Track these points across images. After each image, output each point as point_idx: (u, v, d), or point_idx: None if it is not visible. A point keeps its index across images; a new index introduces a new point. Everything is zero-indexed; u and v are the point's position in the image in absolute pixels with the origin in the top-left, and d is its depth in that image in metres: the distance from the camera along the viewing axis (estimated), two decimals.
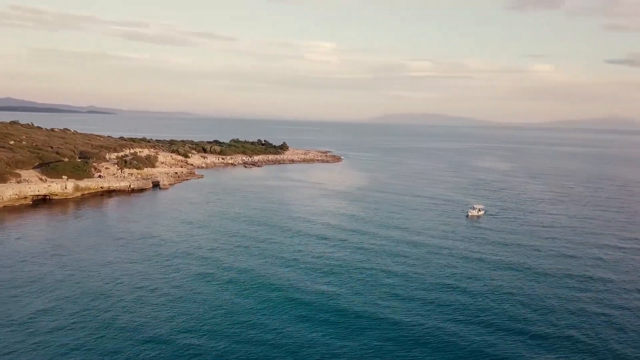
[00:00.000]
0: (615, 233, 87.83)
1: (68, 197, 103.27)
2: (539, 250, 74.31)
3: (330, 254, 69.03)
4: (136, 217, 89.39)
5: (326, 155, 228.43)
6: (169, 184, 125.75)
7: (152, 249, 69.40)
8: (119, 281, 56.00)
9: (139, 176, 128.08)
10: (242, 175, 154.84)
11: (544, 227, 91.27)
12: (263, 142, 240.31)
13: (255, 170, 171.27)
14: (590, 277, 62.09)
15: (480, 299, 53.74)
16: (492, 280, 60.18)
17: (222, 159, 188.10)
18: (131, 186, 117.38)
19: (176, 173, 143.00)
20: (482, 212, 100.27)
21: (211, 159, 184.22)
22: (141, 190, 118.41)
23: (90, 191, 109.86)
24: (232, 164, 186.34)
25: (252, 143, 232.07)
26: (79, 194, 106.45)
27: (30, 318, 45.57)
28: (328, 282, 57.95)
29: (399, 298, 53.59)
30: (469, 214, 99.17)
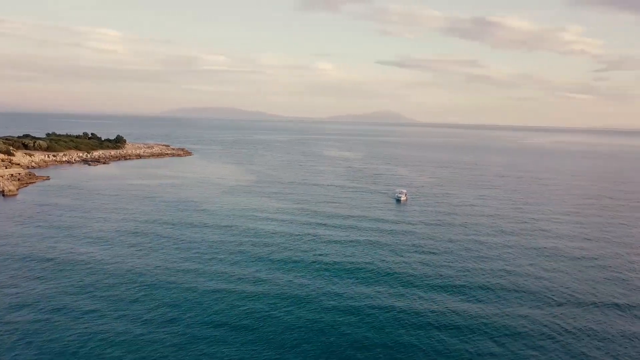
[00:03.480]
0: (519, 203, 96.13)
1: None
2: (491, 217, 78.28)
3: (310, 250, 58.55)
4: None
5: (174, 149, 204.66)
6: (17, 190, 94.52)
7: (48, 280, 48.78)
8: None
9: None
10: (99, 174, 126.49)
11: (466, 205, 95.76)
12: (90, 136, 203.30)
13: (105, 168, 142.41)
14: (512, 233, 67.40)
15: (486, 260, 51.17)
16: (477, 244, 58.60)
17: (54, 156, 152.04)
18: None
19: (12, 175, 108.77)
20: (406, 197, 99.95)
21: (39, 156, 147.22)
22: None
23: None
24: (67, 161, 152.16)
25: (78, 137, 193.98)
26: None
27: None
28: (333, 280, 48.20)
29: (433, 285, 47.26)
30: (401, 198, 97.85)
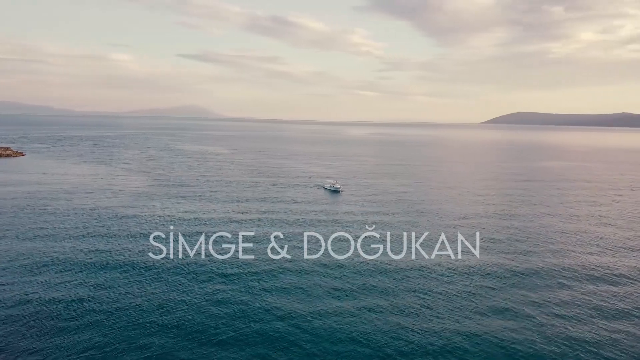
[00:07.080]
0: (439, 187, 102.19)
1: None
2: (434, 197, 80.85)
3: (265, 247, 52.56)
4: None
5: None
6: None
7: None
8: None
9: None
10: None
11: (395, 191, 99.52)
12: None
13: None
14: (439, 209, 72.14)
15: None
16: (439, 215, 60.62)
17: None
18: None
19: None
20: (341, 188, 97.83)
21: None
22: None
23: None
24: None
25: None
26: None
27: None
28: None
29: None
30: (340, 189, 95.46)
